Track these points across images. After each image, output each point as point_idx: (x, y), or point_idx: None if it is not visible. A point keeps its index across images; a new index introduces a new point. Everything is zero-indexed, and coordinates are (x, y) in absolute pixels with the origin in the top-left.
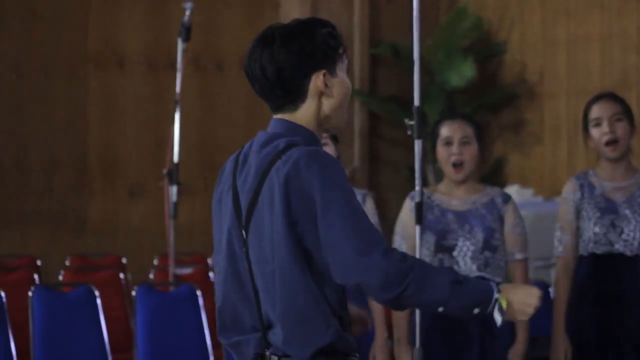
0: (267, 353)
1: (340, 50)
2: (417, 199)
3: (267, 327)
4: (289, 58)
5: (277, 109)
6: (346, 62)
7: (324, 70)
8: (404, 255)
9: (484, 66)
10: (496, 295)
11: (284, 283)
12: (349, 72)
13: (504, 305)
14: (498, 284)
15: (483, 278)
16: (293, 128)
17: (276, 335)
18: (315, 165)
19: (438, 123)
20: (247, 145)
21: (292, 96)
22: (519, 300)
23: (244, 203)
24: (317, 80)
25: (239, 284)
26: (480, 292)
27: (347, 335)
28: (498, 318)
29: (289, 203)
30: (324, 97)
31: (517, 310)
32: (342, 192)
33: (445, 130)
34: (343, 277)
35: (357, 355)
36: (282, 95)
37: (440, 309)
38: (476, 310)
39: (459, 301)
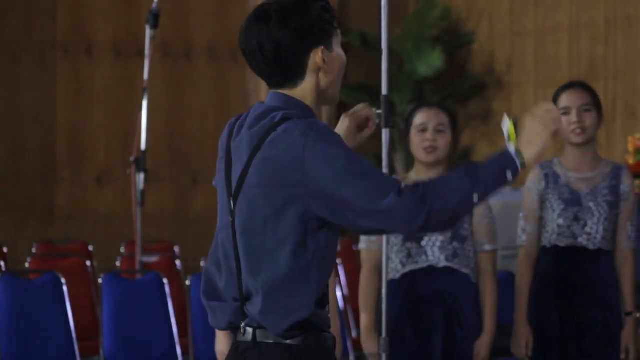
0: (243, 324)
1: (335, 24)
2: None
3: (246, 298)
4: (287, 35)
5: (276, 86)
6: (340, 35)
7: (322, 47)
8: (415, 184)
9: (452, 56)
10: (512, 150)
11: (274, 256)
12: None
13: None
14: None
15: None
16: (290, 102)
17: (253, 306)
18: (311, 134)
19: (413, 111)
20: (244, 115)
21: (291, 73)
22: (530, 130)
23: (235, 172)
24: (315, 57)
25: (223, 252)
26: (499, 160)
27: (323, 312)
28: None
29: (288, 176)
30: (322, 73)
31: (536, 134)
32: (344, 151)
33: (420, 118)
34: (367, 228)
35: (330, 332)
36: (280, 73)
37: (476, 199)
38: (509, 175)
39: (486, 180)
